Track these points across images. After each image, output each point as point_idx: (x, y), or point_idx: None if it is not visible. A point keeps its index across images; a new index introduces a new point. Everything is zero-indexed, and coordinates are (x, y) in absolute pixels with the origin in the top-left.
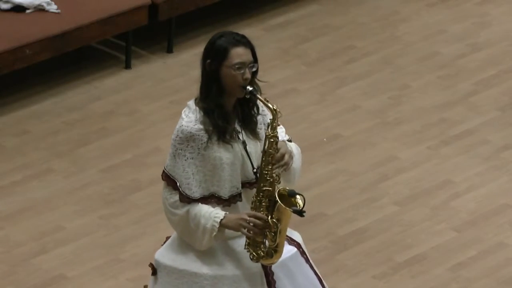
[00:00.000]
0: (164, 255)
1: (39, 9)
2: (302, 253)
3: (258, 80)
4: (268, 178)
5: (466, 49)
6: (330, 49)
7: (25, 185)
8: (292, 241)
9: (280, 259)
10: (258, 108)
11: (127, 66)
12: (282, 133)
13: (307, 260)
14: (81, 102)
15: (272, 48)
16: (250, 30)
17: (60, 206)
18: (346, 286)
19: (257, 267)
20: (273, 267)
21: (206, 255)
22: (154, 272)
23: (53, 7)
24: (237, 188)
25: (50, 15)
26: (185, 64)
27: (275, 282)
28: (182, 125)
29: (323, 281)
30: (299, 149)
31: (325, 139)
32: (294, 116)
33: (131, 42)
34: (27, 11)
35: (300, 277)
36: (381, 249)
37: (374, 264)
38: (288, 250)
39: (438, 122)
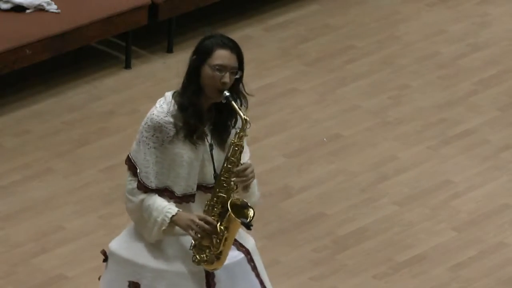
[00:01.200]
0: (117, 244)
1: (39, 9)
2: (250, 260)
3: (247, 94)
4: (225, 185)
5: (466, 49)
6: (330, 49)
7: (25, 185)
8: (241, 247)
9: (225, 263)
10: (236, 121)
11: (127, 66)
12: (246, 157)
13: (254, 268)
14: (81, 102)
15: (272, 48)
16: (250, 30)
17: (60, 206)
18: (346, 286)
19: (200, 267)
20: None
21: (155, 247)
22: (105, 259)
23: (53, 7)
24: (192, 189)
25: (50, 15)
26: (185, 64)
27: (215, 284)
28: (153, 114)
29: None
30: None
31: (325, 139)
32: (294, 116)
33: (131, 42)
34: (27, 11)
35: (243, 283)
36: (381, 249)
37: (374, 264)
38: (235, 255)
39: (438, 122)
